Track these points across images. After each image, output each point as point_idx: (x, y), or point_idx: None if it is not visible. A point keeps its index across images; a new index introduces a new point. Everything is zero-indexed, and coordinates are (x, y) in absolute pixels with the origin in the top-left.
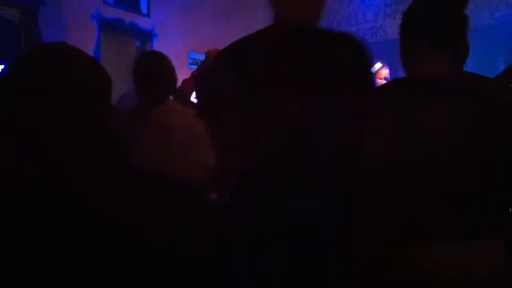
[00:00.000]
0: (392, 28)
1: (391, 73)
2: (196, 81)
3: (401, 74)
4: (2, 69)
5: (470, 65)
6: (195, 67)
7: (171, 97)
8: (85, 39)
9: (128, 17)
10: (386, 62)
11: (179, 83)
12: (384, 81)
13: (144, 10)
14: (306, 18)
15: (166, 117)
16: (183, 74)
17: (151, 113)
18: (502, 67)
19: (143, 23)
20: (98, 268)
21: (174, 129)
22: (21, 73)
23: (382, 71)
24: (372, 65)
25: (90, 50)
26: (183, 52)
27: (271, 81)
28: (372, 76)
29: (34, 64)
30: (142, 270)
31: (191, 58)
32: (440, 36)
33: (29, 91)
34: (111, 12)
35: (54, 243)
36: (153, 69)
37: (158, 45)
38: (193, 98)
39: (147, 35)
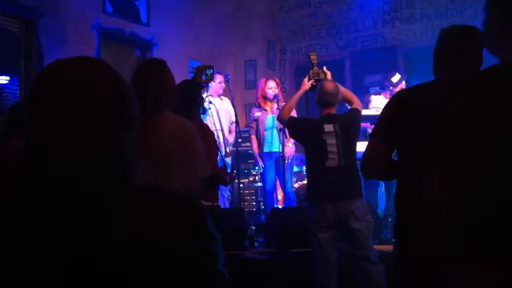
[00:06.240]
0: (391, 35)
1: (384, 78)
2: None
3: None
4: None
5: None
6: None
7: None
8: (85, 49)
9: (128, 26)
10: (385, 69)
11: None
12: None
13: (144, 19)
14: None
15: (162, 127)
16: None
17: (147, 122)
18: None
19: (143, 32)
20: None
21: (169, 140)
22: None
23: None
24: None
25: None
26: (183, 61)
27: None
28: None
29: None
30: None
31: (191, 66)
32: None
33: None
34: (111, 22)
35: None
36: (151, 76)
37: (158, 54)
38: None
39: (147, 45)
